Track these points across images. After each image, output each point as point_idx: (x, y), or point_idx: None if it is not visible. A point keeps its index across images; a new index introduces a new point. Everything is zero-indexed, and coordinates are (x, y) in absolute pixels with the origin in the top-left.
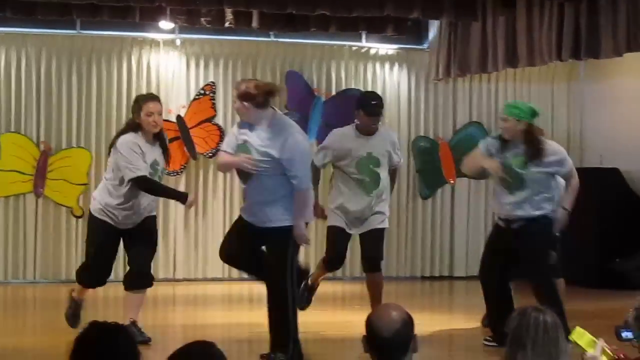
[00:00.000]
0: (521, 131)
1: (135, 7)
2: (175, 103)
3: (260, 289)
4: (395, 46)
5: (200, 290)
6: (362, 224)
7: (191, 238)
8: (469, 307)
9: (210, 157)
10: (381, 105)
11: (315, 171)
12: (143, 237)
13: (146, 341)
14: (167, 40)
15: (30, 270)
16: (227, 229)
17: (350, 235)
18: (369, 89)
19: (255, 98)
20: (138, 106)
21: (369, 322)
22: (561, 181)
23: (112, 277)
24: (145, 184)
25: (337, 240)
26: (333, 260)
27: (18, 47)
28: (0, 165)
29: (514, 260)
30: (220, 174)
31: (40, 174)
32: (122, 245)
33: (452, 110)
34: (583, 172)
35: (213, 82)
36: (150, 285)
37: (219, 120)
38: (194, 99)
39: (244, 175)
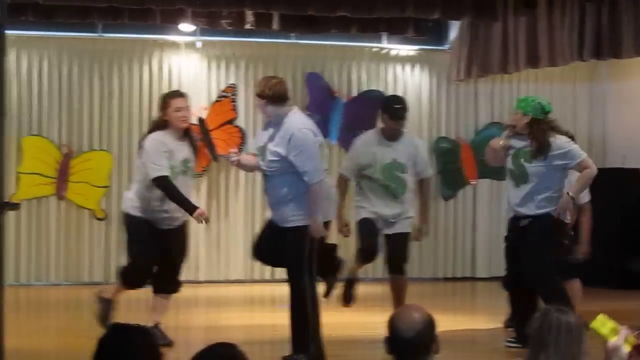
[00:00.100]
0: (526, 125)
1: (155, 9)
2: (197, 105)
3: (282, 290)
4: (416, 47)
5: (223, 292)
6: (391, 226)
7: (213, 240)
8: (491, 308)
9: None
10: (405, 109)
11: (342, 182)
12: (178, 243)
13: (168, 343)
14: (187, 43)
15: (53, 272)
16: (248, 231)
17: (380, 228)
18: (390, 90)
19: (268, 96)
20: (165, 103)
21: (391, 323)
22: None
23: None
24: (164, 185)
25: (368, 231)
26: (366, 252)
27: (39, 50)
28: (22, 168)
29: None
30: (242, 176)
31: (62, 177)
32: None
33: (473, 111)
34: (605, 172)
35: (234, 84)
36: (178, 291)
37: (240, 122)
38: (215, 101)
39: (262, 175)
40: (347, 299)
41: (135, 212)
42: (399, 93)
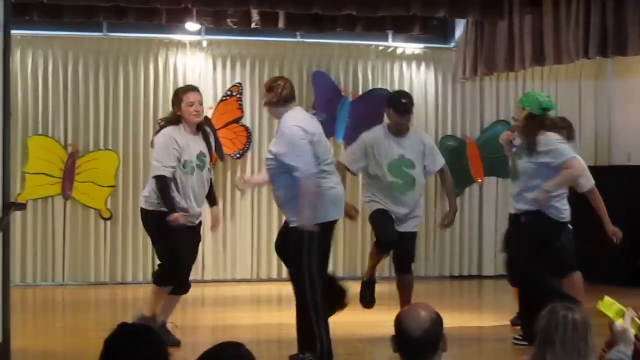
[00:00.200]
0: (523, 119)
1: (161, 8)
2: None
3: (288, 289)
4: (422, 45)
5: (229, 291)
6: (399, 224)
7: (219, 239)
8: (498, 306)
9: (238, 158)
10: (411, 104)
11: (341, 169)
12: (192, 243)
13: (176, 343)
14: (193, 42)
15: (59, 272)
16: (254, 230)
17: (397, 223)
18: (396, 88)
19: (274, 103)
20: (178, 98)
21: (398, 322)
22: (581, 181)
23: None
24: (162, 184)
25: (383, 220)
26: (383, 241)
27: (45, 49)
28: (28, 168)
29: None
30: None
31: (68, 177)
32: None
33: (479, 109)
34: (611, 170)
35: (240, 83)
36: (187, 292)
37: (246, 121)
38: (221, 100)
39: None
40: (367, 301)
41: (152, 207)
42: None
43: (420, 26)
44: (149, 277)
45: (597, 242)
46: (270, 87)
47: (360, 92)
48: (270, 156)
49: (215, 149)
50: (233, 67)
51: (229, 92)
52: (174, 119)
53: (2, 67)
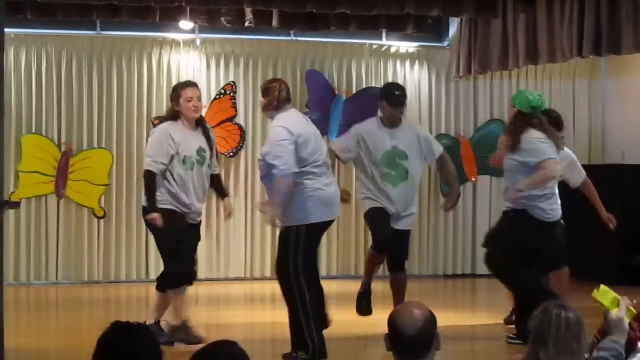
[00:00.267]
0: (512, 116)
1: (155, 7)
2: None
3: None
4: (416, 44)
5: (223, 290)
6: (396, 221)
7: (213, 238)
8: (492, 305)
9: (232, 156)
10: (405, 96)
11: (332, 157)
12: (194, 244)
13: (169, 342)
14: (187, 41)
15: (53, 271)
16: (248, 229)
17: (392, 219)
18: None
19: (266, 101)
20: (177, 94)
21: (392, 321)
22: (572, 181)
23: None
24: (149, 179)
25: (379, 219)
26: (381, 242)
27: (38, 48)
28: (21, 167)
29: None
30: (242, 174)
31: (62, 175)
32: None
33: (473, 108)
34: (605, 169)
35: (234, 82)
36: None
37: (240, 120)
38: (215, 99)
39: None
40: (364, 311)
41: (161, 205)
42: None
43: (414, 25)
44: (143, 276)
45: (592, 240)
46: (265, 90)
47: (354, 91)
48: (260, 157)
49: None
50: (227, 65)
51: (222, 91)
52: (173, 115)
53: None
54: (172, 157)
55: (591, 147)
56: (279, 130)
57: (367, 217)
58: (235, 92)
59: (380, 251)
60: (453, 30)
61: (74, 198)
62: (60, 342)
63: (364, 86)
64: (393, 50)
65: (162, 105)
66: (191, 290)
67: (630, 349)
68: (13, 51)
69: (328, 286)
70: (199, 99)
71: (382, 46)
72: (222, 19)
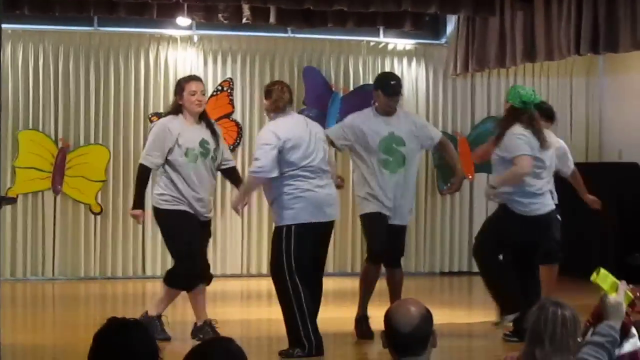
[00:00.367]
0: (505, 111)
1: (152, 3)
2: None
3: None
4: (413, 41)
5: (219, 287)
6: (393, 215)
7: None
8: (488, 302)
9: None
10: (400, 85)
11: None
12: (204, 243)
13: (166, 338)
14: (184, 37)
15: (49, 267)
16: (244, 226)
17: (389, 218)
18: None
19: (268, 104)
20: (180, 87)
21: (388, 318)
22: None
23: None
24: (141, 173)
25: (376, 227)
26: (375, 253)
27: (35, 44)
28: (18, 163)
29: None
30: (238, 170)
31: (59, 171)
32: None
33: (470, 106)
34: (602, 166)
35: (231, 79)
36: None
37: (237, 116)
38: (212, 95)
39: None
40: (364, 336)
41: (170, 205)
42: None
43: (411, 22)
44: (139, 272)
45: (588, 238)
46: (267, 91)
47: (351, 88)
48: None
49: None
50: (224, 62)
51: (219, 87)
52: (175, 109)
53: None
54: (171, 150)
55: (588, 145)
56: (266, 133)
57: (363, 223)
58: (232, 89)
59: (374, 261)
60: (450, 27)
61: (70, 194)
62: (57, 338)
63: (361, 83)
64: (390, 47)
65: (159, 101)
66: None
67: (623, 334)
68: (10, 47)
69: (324, 283)
70: (203, 93)
71: (379, 43)
72: (219, 15)
